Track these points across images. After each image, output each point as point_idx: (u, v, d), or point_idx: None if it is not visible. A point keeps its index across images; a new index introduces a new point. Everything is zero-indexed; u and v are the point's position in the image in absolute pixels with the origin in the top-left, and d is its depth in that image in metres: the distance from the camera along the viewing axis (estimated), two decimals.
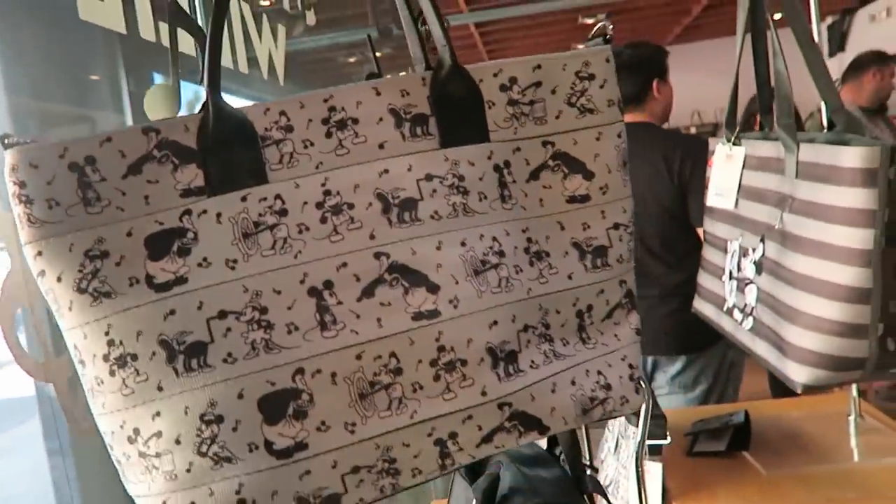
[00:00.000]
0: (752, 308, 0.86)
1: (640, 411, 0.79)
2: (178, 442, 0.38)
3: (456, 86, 0.42)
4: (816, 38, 1.36)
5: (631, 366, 0.46)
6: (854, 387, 1.01)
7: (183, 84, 0.47)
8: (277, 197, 0.39)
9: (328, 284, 0.38)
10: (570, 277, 0.44)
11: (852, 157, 0.68)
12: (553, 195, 0.44)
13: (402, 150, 0.40)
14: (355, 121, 0.40)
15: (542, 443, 0.62)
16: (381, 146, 0.40)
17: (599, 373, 0.44)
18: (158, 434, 0.38)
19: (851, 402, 1.00)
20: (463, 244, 0.40)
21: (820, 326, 0.73)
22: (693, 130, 5.78)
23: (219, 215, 0.38)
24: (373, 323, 0.39)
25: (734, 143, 0.93)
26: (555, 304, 0.43)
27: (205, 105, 0.40)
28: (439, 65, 0.42)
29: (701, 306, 1.02)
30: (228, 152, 0.39)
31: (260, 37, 1.20)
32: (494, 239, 0.41)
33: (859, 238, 0.68)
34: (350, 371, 0.38)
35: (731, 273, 0.93)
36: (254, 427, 0.38)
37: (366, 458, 0.39)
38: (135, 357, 0.38)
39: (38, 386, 0.95)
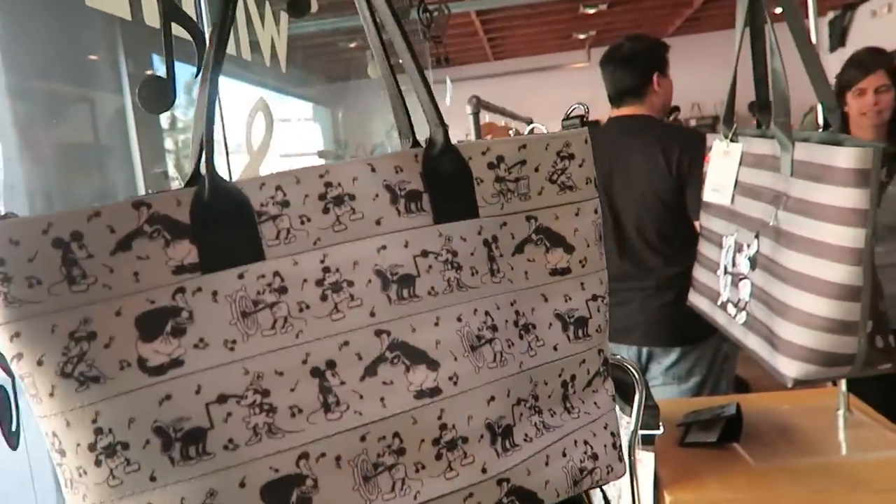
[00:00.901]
0: (746, 303, 0.88)
1: (633, 401, 0.81)
2: None
3: (447, 163, 0.43)
4: (815, 34, 1.37)
5: (613, 434, 0.48)
6: (843, 382, 1.03)
7: (179, 67, 0.46)
8: (276, 274, 0.38)
9: (331, 364, 0.38)
10: (555, 349, 0.45)
11: (845, 157, 0.69)
12: (537, 268, 0.45)
13: (399, 227, 0.41)
14: (352, 196, 0.40)
15: None
16: (377, 222, 0.40)
17: (586, 442, 0.46)
18: None
19: (840, 397, 1.02)
20: (459, 319, 0.41)
21: (811, 322, 0.75)
22: (693, 123, 5.79)
23: (215, 294, 0.37)
24: (376, 402, 0.38)
25: (731, 140, 0.95)
26: (543, 375, 0.45)
27: (195, 177, 0.40)
28: (431, 143, 0.42)
29: (696, 300, 1.04)
30: (223, 228, 0.38)
31: (263, 23, 1.21)
32: (487, 313, 0.42)
33: (851, 237, 0.70)
34: (354, 453, 0.38)
35: (725, 268, 0.94)
36: None
37: None
38: (126, 446, 0.35)
39: None
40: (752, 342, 0.86)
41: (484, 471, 0.40)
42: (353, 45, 2.35)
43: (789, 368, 0.78)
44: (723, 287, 0.95)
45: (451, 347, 0.40)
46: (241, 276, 0.37)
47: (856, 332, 0.73)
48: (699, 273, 1.04)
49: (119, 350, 0.36)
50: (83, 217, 0.35)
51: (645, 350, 1.55)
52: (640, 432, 0.83)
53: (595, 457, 0.46)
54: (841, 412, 1.02)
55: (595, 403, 0.47)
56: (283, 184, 0.39)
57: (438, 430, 0.39)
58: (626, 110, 1.60)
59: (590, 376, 0.47)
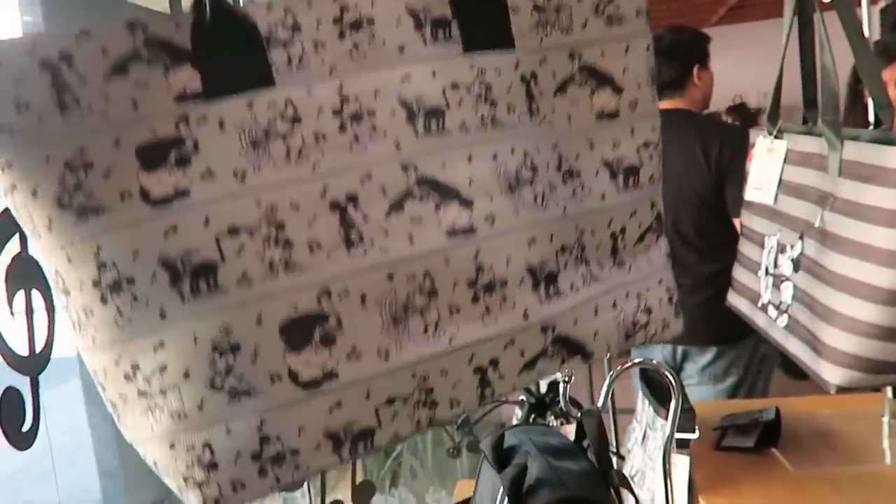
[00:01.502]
0: (788, 306, 0.85)
1: (669, 406, 0.79)
2: (186, 376, 0.34)
3: None
4: (867, 23, 1.32)
5: (668, 289, 0.46)
6: (889, 388, 0.99)
7: None
8: (288, 102, 0.35)
9: (352, 198, 0.35)
10: (602, 197, 0.42)
11: None
12: (581, 111, 0.42)
13: (425, 55, 0.37)
14: (371, 21, 0.36)
15: (570, 434, 0.63)
16: (400, 49, 0.37)
17: (639, 296, 0.44)
18: (162, 368, 0.34)
19: (886, 403, 0.99)
20: (494, 158, 0.37)
21: (856, 328, 0.72)
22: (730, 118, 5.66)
23: (221, 122, 0.34)
24: (404, 240, 0.35)
25: (776, 137, 0.92)
26: (590, 224, 0.42)
27: (197, 3, 0.36)
28: None
29: (735, 300, 1.02)
30: (228, 52, 0.35)
31: None
32: (526, 154, 0.38)
33: None
34: (381, 293, 0.35)
35: (767, 269, 0.92)
36: (276, 356, 0.34)
37: (401, 388, 0.36)
38: (131, 281, 0.33)
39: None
40: (794, 346, 0.83)
41: (526, 316, 0.38)
42: None
43: (833, 375, 0.75)
44: (764, 288, 0.93)
45: (486, 186, 0.37)
46: (250, 105, 0.35)
47: None
48: (739, 273, 1.01)
49: (119, 180, 0.33)
50: (72, 38, 0.33)
51: (680, 349, 1.53)
52: (676, 436, 0.82)
53: (649, 310, 0.44)
54: (886, 419, 0.99)
55: (648, 260, 0.45)
56: (292, 6, 0.36)
57: (474, 271, 0.37)
58: (665, 103, 1.56)
59: (641, 230, 0.44)
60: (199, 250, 0.33)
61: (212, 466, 0.34)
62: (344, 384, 0.35)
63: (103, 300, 0.34)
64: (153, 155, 0.34)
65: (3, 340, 0.43)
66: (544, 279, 0.38)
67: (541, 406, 0.95)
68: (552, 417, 0.94)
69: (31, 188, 0.33)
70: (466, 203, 0.37)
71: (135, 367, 0.34)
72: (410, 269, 0.36)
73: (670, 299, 0.46)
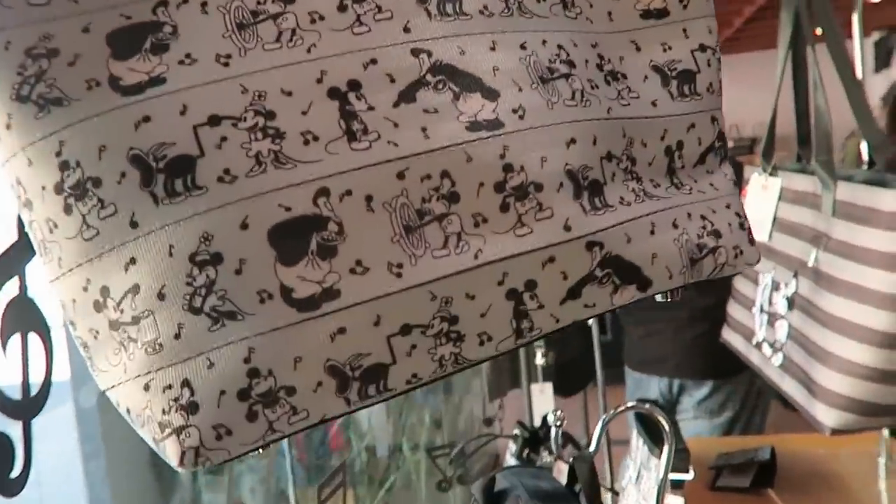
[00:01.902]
0: (783, 344, 0.85)
1: (663, 445, 0.78)
2: (161, 297, 0.29)
3: None
4: (860, 57, 1.33)
5: (738, 214, 0.39)
6: (885, 429, 0.98)
7: None
8: None
9: (354, 85, 0.30)
10: (654, 105, 0.37)
11: (891, 200, 0.67)
12: (623, 8, 0.37)
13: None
14: None
15: (563, 479, 0.62)
16: None
17: (704, 217, 0.37)
18: (135, 289, 0.29)
19: (882, 444, 0.98)
20: (523, 47, 0.32)
21: (851, 370, 0.71)
22: (730, 144, 5.70)
23: (203, 4, 0.30)
24: (416, 132, 0.30)
25: (770, 174, 0.92)
26: (640, 132, 0.36)
27: None
28: None
29: (730, 337, 1.01)
30: None
31: None
32: (560, 47, 0.33)
33: (895, 283, 0.67)
34: (390, 195, 0.30)
35: (761, 306, 0.91)
36: (265, 269, 0.29)
37: (419, 314, 0.30)
38: (97, 182, 0.29)
39: (74, 371, 0.97)
40: (789, 386, 0.83)
41: (567, 228, 0.31)
42: None
43: (827, 417, 0.74)
44: (758, 326, 0.92)
45: (513, 76, 0.32)
46: None
47: None
48: (734, 310, 1.01)
49: (86, 69, 0.29)
50: None
51: (677, 382, 1.52)
52: (670, 476, 0.81)
53: (717, 234, 0.37)
54: (882, 460, 0.98)
55: (712, 185, 0.39)
56: None
57: (502, 171, 0.31)
58: None
59: (702, 148, 0.38)
60: (174, 143, 0.29)
61: (191, 408, 0.29)
62: (348, 305, 0.29)
63: (67, 209, 0.29)
64: (126, 41, 0.30)
65: None
66: (588, 187, 0.33)
67: (534, 440, 0.94)
68: (546, 452, 0.93)
69: None
70: (491, 93, 0.31)
71: (105, 293, 0.30)
72: (425, 166, 0.30)
73: (741, 224, 0.39)
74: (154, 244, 0.29)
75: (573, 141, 0.32)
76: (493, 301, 0.31)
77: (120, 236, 0.29)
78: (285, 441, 0.62)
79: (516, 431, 0.95)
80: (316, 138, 0.29)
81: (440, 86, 0.31)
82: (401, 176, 0.30)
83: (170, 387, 0.29)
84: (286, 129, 0.29)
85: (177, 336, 0.29)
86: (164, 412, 0.29)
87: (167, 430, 0.29)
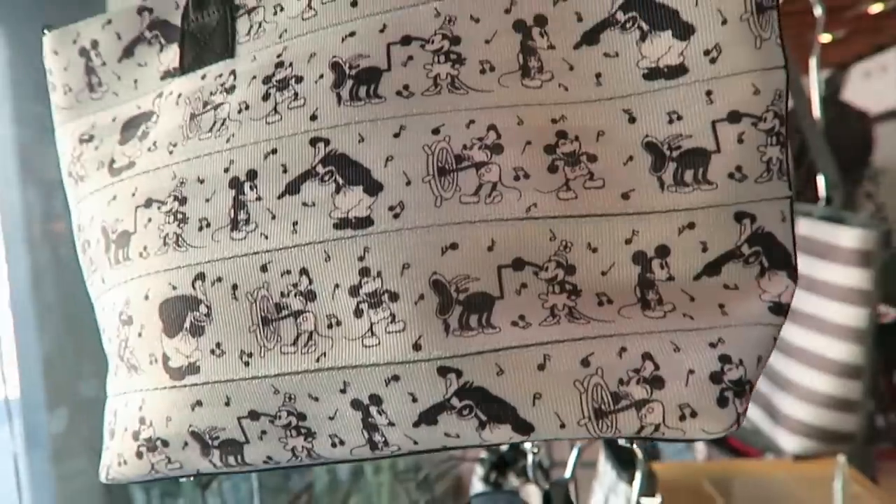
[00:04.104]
0: None
1: (632, 470, 0.80)
2: (109, 341, 0.36)
3: None
4: (817, 96, 1.39)
5: (725, 358, 0.27)
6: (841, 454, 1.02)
7: None
8: (232, 73, 0.33)
9: (251, 175, 0.31)
10: (624, 197, 0.28)
11: (848, 237, 0.70)
12: (620, 68, 0.28)
13: (379, 7, 0.30)
14: None
15: (534, 496, 0.63)
16: (353, 4, 0.31)
17: (647, 357, 0.28)
18: (103, 331, 0.37)
19: (838, 469, 1.01)
20: (436, 132, 0.28)
21: (812, 398, 0.75)
22: None
23: (179, 96, 0.34)
24: (287, 226, 0.30)
25: None
26: (587, 233, 0.28)
27: None
28: None
29: None
30: (203, 27, 0.35)
31: None
32: (492, 128, 0.28)
33: (853, 316, 0.70)
34: (253, 285, 0.31)
35: None
36: (155, 336, 0.33)
37: (265, 404, 0.31)
38: (88, 244, 0.37)
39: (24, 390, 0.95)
40: (753, 412, 0.86)
41: (417, 347, 0.28)
42: None
43: (789, 443, 0.78)
44: None
45: (406, 167, 0.28)
46: (203, 77, 0.34)
47: (856, 410, 0.74)
48: None
49: (102, 152, 0.37)
50: (99, 25, 0.37)
51: None
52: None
53: (657, 383, 0.28)
54: (838, 485, 1.02)
55: (721, 307, 0.28)
56: None
57: (358, 274, 0.29)
58: None
59: (709, 256, 0.28)
60: (122, 220, 0.35)
61: (111, 434, 0.36)
62: (204, 382, 0.32)
63: (82, 252, 0.38)
64: (130, 129, 0.36)
65: None
66: (462, 302, 0.28)
67: (502, 464, 0.95)
68: (513, 476, 0.94)
69: (63, 158, 0.38)
70: (374, 187, 0.28)
71: (102, 329, 0.37)
72: (287, 262, 0.30)
73: (716, 377, 0.27)
74: (107, 299, 0.36)
75: (453, 246, 0.28)
76: (338, 407, 0.30)
77: (97, 289, 0.37)
78: None
79: (483, 455, 0.96)
80: (208, 225, 0.32)
81: (327, 177, 0.29)
82: (264, 269, 0.30)
83: (113, 412, 0.36)
84: (190, 215, 0.32)
85: (115, 374, 0.36)
86: (106, 431, 0.36)
87: (105, 445, 0.36)
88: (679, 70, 0.28)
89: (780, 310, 0.28)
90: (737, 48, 0.27)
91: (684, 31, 0.28)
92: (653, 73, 0.28)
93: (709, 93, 0.27)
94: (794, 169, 0.83)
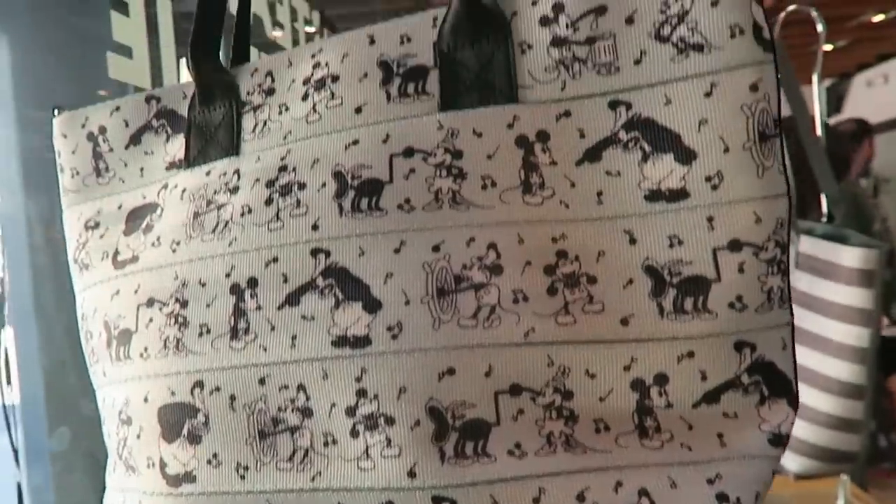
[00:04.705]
0: None
1: None
2: (109, 437, 0.36)
3: (474, 23, 0.29)
4: (819, 109, 1.39)
5: (723, 496, 0.27)
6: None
7: None
8: (236, 172, 0.33)
9: (252, 282, 0.30)
10: (624, 323, 0.28)
11: (850, 256, 0.70)
12: (622, 187, 0.28)
13: (384, 116, 0.30)
14: (335, 79, 0.31)
15: None
16: (357, 110, 0.30)
17: (645, 493, 0.28)
18: (102, 425, 0.37)
19: (840, 487, 1.01)
20: (436, 249, 0.28)
21: (814, 418, 0.74)
22: None
23: (183, 191, 0.34)
24: (286, 339, 0.30)
25: None
26: (586, 359, 0.28)
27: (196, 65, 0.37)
28: None
29: None
30: (210, 121, 0.35)
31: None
32: (492, 247, 0.28)
33: (855, 335, 0.70)
34: (251, 398, 0.30)
35: None
36: (153, 440, 0.32)
37: None
38: (90, 334, 0.36)
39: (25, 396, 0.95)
40: None
41: (412, 475, 0.28)
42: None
43: (791, 463, 0.77)
44: None
45: (405, 285, 0.28)
46: (208, 174, 0.34)
47: (858, 430, 0.73)
48: None
49: (107, 241, 0.37)
50: (108, 111, 0.37)
51: None
52: None
53: None
54: (840, 502, 1.01)
55: (720, 437, 0.28)
56: (274, 68, 0.34)
57: (355, 395, 0.28)
58: None
59: (708, 385, 0.27)
60: (124, 317, 0.34)
61: None
62: (200, 492, 0.31)
63: (85, 342, 0.38)
64: (136, 219, 0.36)
65: None
66: (459, 429, 0.27)
67: None
68: None
69: (70, 242, 0.39)
70: (373, 305, 0.28)
71: (103, 419, 0.37)
72: (284, 376, 0.30)
73: None
74: (106, 394, 0.36)
75: (450, 371, 0.27)
76: None
77: (97, 380, 0.37)
78: None
79: None
80: (208, 331, 0.31)
81: (327, 291, 0.29)
82: (262, 382, 0.30)
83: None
84: (191, 319, 0.32)
85: (113, 471, 0.36)
86: None
87: None
88: (681, 194, 0.27)
89: (780, 441, 0.28)
90: (739, 176, 0.27)
91: (686, 155, 0.27)
92: (654, 195, 0.28)
93: (710, 219, 0.27)
94: (794, 180, 0.83)
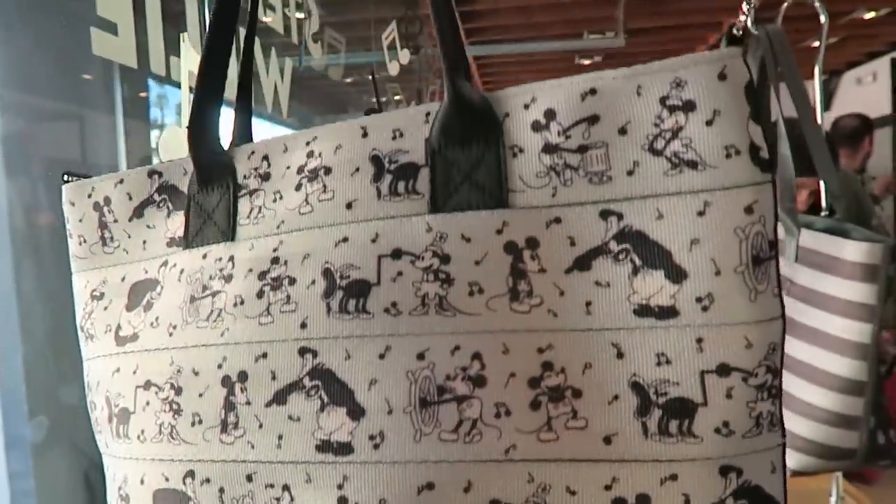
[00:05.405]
0: None
1: None
2: None
3: (465, 122, 0.29)
4: (819, 103, 1.39)
5: None
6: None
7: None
8: (231, 259, 0.33)
9: (242, 376, 0.31)
10: (607, 442, 0.27)
11: (853, 251, 0.69)
12: (611, 299, 0.27)
13: (374, 214, 0.30)
14: (328, 171, 0.31)
15: None
16: (348, 206, 0.30)
17: None
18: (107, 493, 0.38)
19: (833, 483, 1.00)
20: (420, 357, 0.28)
21: (812, 414, 0.73)
22: None
23: (182, 271, 0.34)
24: (273, 439, 0.30)
25: None
26: (566, 477, 0.27)
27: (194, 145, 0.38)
28: (452, 93, 0.30)
29: None
30: (207, 202, 0.35)
31: (267, 71, 1.20)
32: (476, 357, 0.28)
33: (857, 331, 0.69)
34: (239, 493, 0.31)
35: None
36: None
37: None
38: (94, 405, 0.37)
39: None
40: None
41: None
42: (348, 80, 2.39)
43: (788, 459, 0.76)
44: None
45: (388, 393, 0.28)
46: (204, 257, 0.34)
47: (858, 426, 0.72)
48: None
49: (111, 314, 0.37)
50: (112, 183, 0.38)
51: None
52: None
53: None
54: (833, 500, 1.01)
55: None
56: (270, 153, 0.34)
57: (336, 502, 0.29)
58: None
59: None
60: (123, 396, 0.35)
61: None
62: None
63: (91, 412, 0.38)
64: (138, 294, 0.36)
65: None
66: None
67: None
68: None
69: (77, 309, 0.39)
70: (356, 412, 0.28)
71: (108, 487, 0.38)
72: (271, 475, 0.30)
73: None
74: (108, 463, 0.36)
75: (429, 486, 0.27)
76: None
77: (103, 450, 0.38)
78: None
79: None
80: (200, 422, 0.32)
81: (313, 392, 0.30)
82: (249, 478, 0.31)
83: None
84: (185, 408, 0.32)
85: None
86: None
87: None
88: (670, 312, 0.27)
89: None
90: (730, 300, 0.26)
91: (677, 274, 0.26)
92: (644, 311, 0.27)
93: (699, 340, 0.26)
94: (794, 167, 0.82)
